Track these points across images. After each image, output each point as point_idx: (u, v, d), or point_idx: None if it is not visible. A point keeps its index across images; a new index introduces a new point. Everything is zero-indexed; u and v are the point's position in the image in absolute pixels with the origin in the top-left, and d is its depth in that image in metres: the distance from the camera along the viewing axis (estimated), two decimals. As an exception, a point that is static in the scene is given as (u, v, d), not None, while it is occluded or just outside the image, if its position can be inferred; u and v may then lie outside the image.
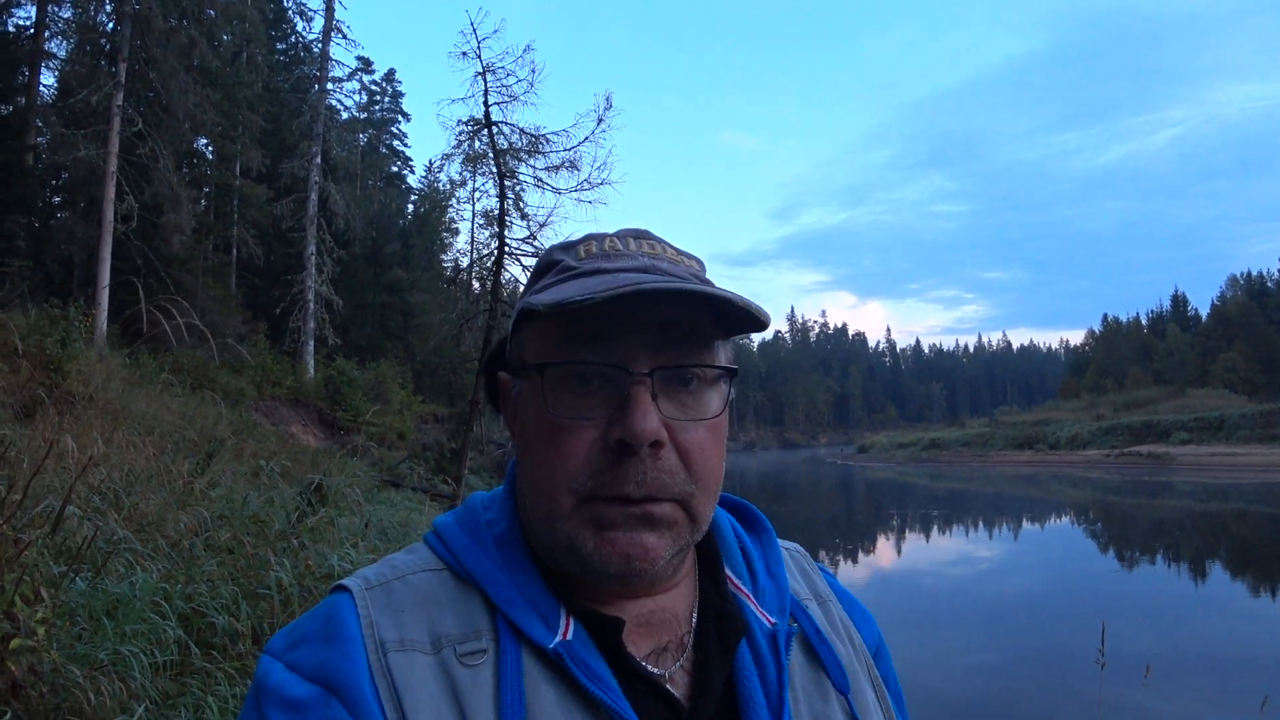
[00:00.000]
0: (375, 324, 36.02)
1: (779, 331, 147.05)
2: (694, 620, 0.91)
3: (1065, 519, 28.69)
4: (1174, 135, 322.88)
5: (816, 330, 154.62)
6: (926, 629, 12.70)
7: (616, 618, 0.84)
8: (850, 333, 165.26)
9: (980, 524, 26.58)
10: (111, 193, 19.93)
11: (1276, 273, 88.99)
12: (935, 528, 25.98)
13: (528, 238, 18.30)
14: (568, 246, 0.92)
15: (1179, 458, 41.38)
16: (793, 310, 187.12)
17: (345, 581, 0.89)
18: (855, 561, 20.15)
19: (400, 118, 51.55)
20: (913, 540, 23.77)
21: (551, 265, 0.90)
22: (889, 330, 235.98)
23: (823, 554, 21.28)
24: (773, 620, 0.93)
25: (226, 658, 3.88)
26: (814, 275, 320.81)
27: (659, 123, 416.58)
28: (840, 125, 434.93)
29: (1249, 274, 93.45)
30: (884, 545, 23.07)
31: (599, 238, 0.93)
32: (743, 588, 0.96)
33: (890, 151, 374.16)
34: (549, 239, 20.21)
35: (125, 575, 4.18)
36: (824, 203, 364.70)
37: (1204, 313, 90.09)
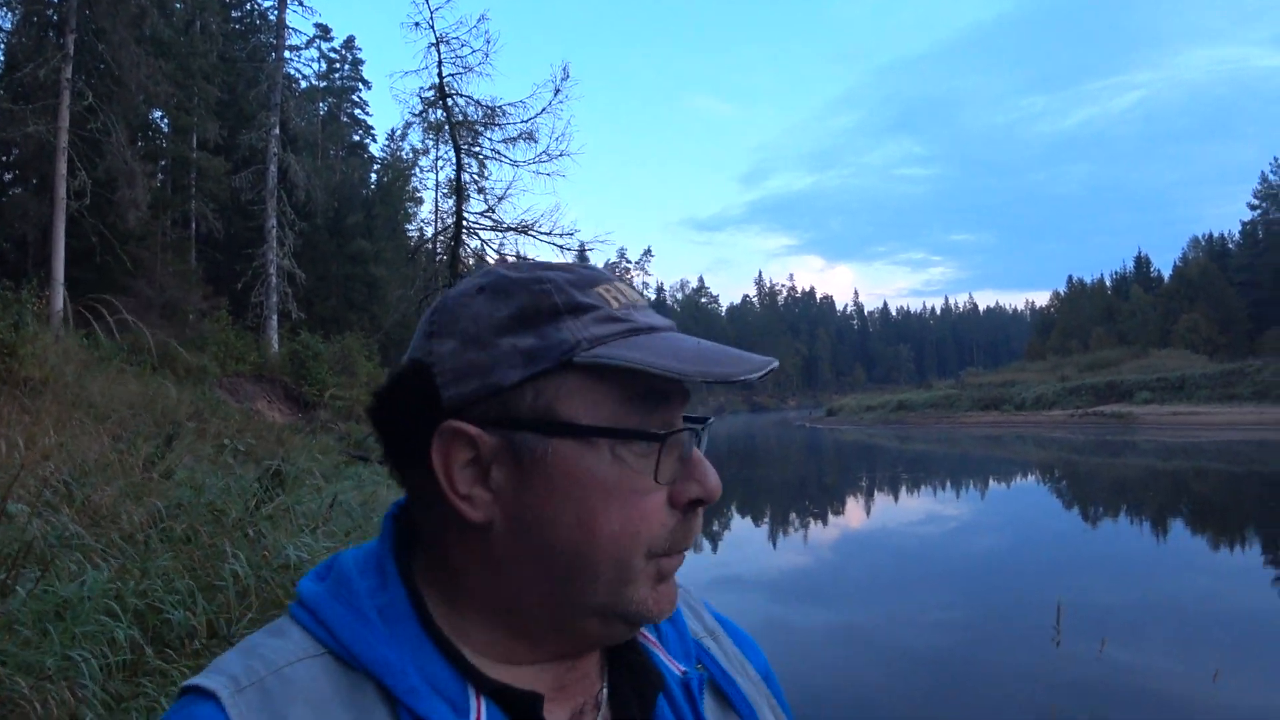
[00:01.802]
0: (339, 296, 35.68)
1: (747, 295, 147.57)
2: (606, 676, 0.86)
3: (1031, 478, 29.08)
4: (1139, 98, 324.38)
5: (784, 294, 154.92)
6: (896, 588, 12.89)
7: (532, 692, 0.77)
8: (818, 296, 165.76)
9: (948, 484, 26.88)
10: (63, 169, 19.52)
11: (1237, 234, 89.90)
12: (904, 488, 26.24)
13: (486, 211, 18.10)
14: (581, 284, 0.81)
15: (1142, 417, 41.96)
16: (761, 274, 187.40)
17: (204, 682, 0.72)
18: (825, 523, 20.32)
19: (361, 85, 50.80)
20: (881, 501, 24.00)
21: (583, 308, 0.79)
22: (857, 293, 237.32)
23: (793, 516, 21.47)
24: (682, 668, 0.88)
25: (182, 655, 3.82)
26: (782, 239, 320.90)
27: (626, 88, 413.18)
28: (810, 90, 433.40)
29: (1210, 236, 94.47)
30: (853, 506, 23.26)
31: (608, 280, 0.85)
32: (649, 635, 0.90)
33: (859, 115, 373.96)
34: (508, 213, 20.01)
35: (76, 574, 4.09)
36: (792, 167, 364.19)
37: (1166, 274, 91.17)
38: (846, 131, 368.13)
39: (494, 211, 17.66)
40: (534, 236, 21.69)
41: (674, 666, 0.88)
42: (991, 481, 27.87)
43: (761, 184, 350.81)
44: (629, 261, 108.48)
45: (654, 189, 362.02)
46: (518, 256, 25.02)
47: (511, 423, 0.76)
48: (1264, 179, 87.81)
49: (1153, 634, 9.91)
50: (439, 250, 23.23)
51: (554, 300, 0.78)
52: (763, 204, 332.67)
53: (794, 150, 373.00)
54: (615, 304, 0.81)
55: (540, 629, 0.79)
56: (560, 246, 22.29)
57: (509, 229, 22.23)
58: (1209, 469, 27.62)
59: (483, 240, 17.21)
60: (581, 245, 25.44)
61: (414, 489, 0.83)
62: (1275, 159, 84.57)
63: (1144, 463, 30.08)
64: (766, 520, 21.21)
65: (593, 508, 0.76)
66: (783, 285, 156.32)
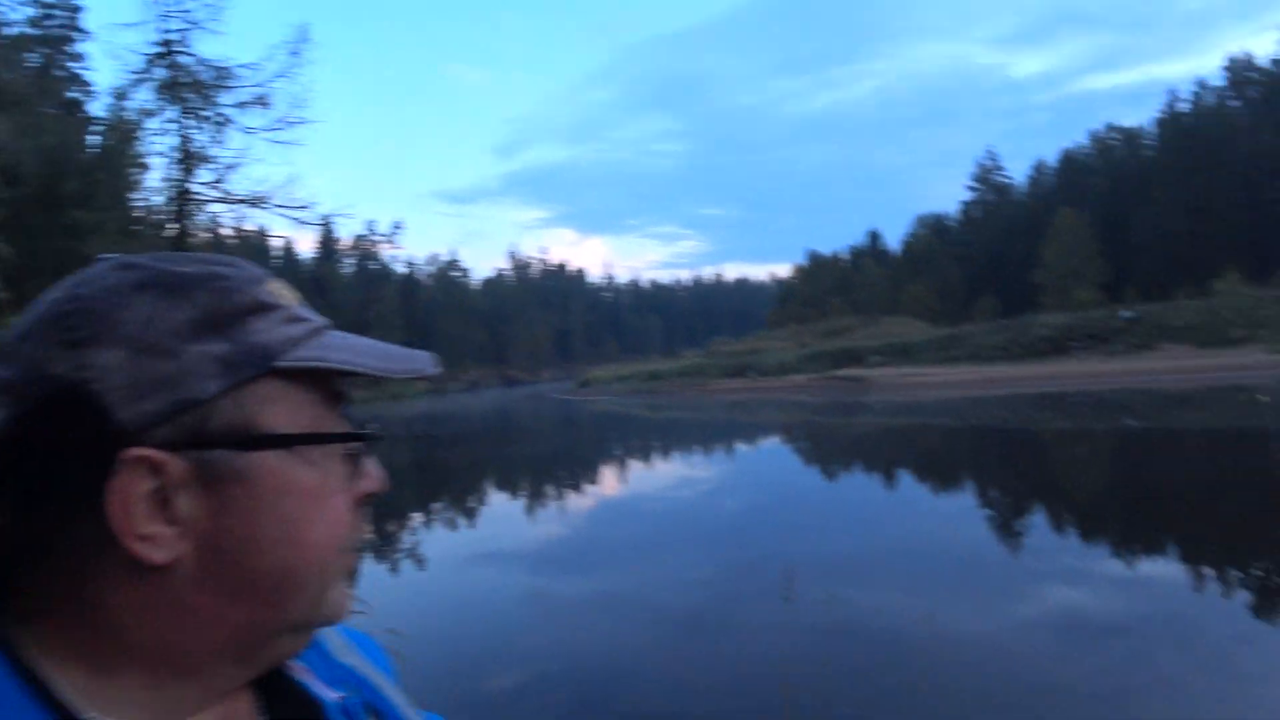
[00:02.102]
0: (52, 274, 31.84)
1: (501, 269, 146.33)
2: (262, 714, 0.77)
3: (776, 439, 30.33)
4: (876, 85, 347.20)
5: (538, 267, 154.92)
6: (653, 550, 13.07)
7: None
8: (571, 269, 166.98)
9: (699, 448, 27.54)
10: None
11: (956, 214, 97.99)
12: (657, 455, 26.64)
13: (215, 181, 16.57)
14: (256, 280, 0.74)
15: (874, 379, 44.85)
16: (514, 248, 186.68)
17: None
18: (582, 493, 20.27)
19: (78, 35, 45.76)
20: (636, 468, 24.24)
21: (266, 307, 0.73)
22: (609, 266, 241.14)
23: (550, 488, 21.29)
24: (338, 693, 0.82)
25: None
26: (536, 212, 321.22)
27: (378, 55, 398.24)
28: (568, 62, 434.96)
29: (933, 214, 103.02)
30: (609, 475, 23.37)
31: (270, 275, 0.79)
32: (295, 664, 0.81)
33: (616, 90, 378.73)
34: (240, 184, 18.43)
35: None
36: (548, 140, 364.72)
37: (896, 248, 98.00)
38: (603, 105, 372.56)
39: (224, 182, 16.10)
40: (267, 209, 20.07)
41: (329, 693, 0.82)
42: (740, 444, 28.83)
43: (517, 156, 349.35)
44: (377, 234, 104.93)
45: (406, 160, 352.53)
46: (247, 231, 23.16)
47: (207, 441, 0.67)
48: (979, 164, 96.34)
49: (881, 579, 10.49)
50: (167, 223, 21.14)
51: (238, 299, 0.71)
52: (518, 176, 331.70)
53: (551, 123, 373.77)
54: (289, 301, 0.78)
55: (217, 667, 0.70)
56: (298, 220, 20.76)
57: (240, 201, 20.47)
58: (931, 424, 29.80)
59: (212, 213, 15.68)
60: (329, 217, 23.79)
61: (39, 535, 0.66)
62: (989, 147, 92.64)
63: (876, 420, 32.07)
64: (524, 494, 20.96)
65: (300, 519, 0.70)
66: (536, 258, 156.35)
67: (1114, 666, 7.46)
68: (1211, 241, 64.14)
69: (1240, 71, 71.35)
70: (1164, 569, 10.54)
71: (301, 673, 0.80)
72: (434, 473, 23.67)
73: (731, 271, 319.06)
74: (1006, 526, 13.62)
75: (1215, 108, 73.40)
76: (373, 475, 0.79)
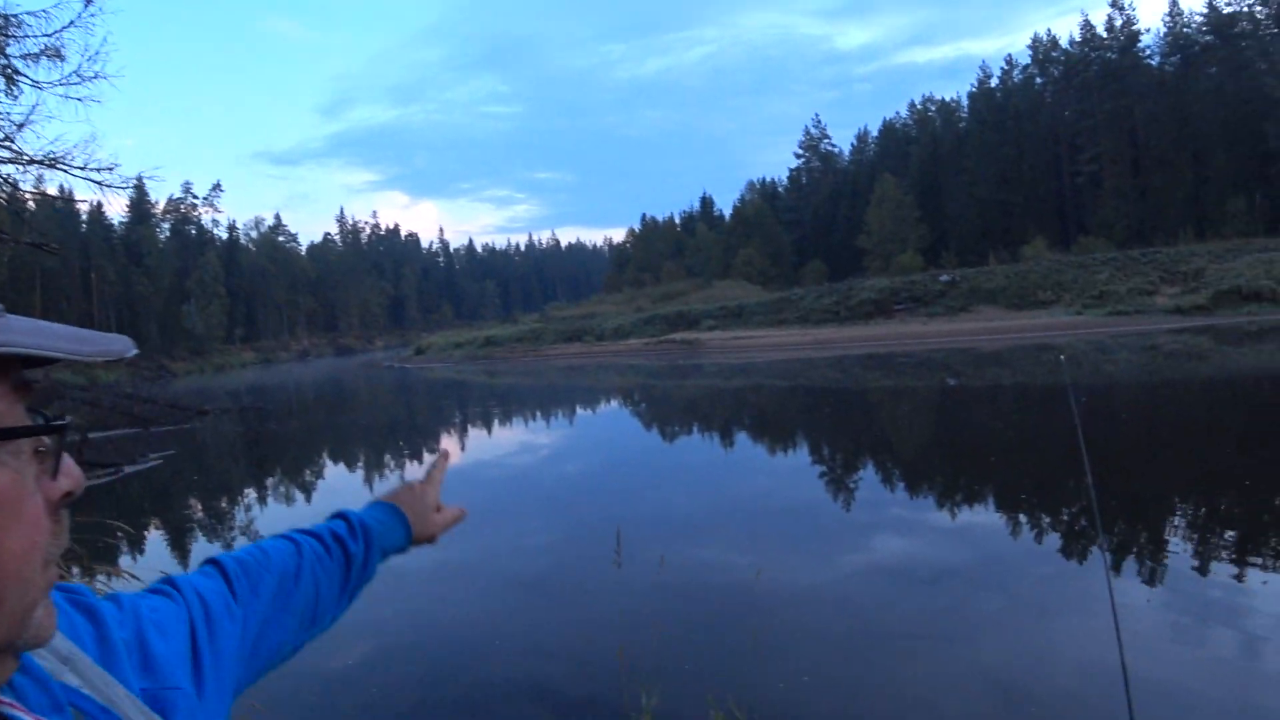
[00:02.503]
0: None
1: (329, 234, 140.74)
2: None
3: (612, 403, 30.43)
4: (706, 53, 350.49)
5: (368, 232, 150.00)
6: (495, 518, 12.95)
7: None
8: (403, 234, 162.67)
9: (538, 414, 27.34)
10: None
11: (785, 180, 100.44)
12: (495, 422, 26.29)
13: (4, 139, 15.12)
14: None
15: (707, 342, 45.62)
16: (343, 211, 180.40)
17: None
18: (420, 462, 19.80)
19: None
20: (475, 435, 23.88)
21: None
22: (442, 230, 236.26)
23: (387, 459, 20.73)
24: None
25: None
26: (365, 175, 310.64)
27: (194, 8, 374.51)
28: (395, 19, 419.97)
29: (763, 180, 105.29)
30: (447, 443, 22.87)
31: None
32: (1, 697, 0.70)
33: (446, 49, 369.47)
34: (31, 143, 16.92)
35: None
36: (376, 99, 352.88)
37: (727, 213, 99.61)
38: (432, 65, 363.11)
39: (13, 141, 14.67)
40: (66, 170, 18.43)
41: None
42: (577, 408, 28.79)
43: (343, 116, 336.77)
44: (195, 197, 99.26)
45: (226, 120, 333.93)
46: (46, 194, 21.38)
47: None
48: (807, 132, 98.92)
49: (717, 537, 10.70)
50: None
51: None
52: (345, 137, 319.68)
53: (378, 82, 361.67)
54: None
55: None
56: (99, 183, 19.13)
57: (33, 161, 18.76)
58: (764, 385, 30.53)
59: (4, 175, 14.26)
60: (139, 179, 22.07)
61: None
62: (816, 115, 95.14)
63: (710, 383, 32.62)
64: (359, 466, 20.35)
65: None
66: (366, 223, 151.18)
67: (940, 610, 7.79)
68: (1020, 209, 68.07)
69: (1044, 51, 75.69)
70: (980, 517, 11.09)
71: (11, 706, 0.68)
72: (265, 447, 22.65)
73: (566, 236, 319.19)
74: (837, 481, 14.08)
75: (1022, 84, 77.70)
76: (71, 474, 0.68)
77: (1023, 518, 10.66)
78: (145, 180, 21.54)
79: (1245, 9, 66.07)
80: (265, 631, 1.02)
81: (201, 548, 12.66)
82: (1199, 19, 68.28)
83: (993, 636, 7.16)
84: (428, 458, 20.41)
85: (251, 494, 17.21)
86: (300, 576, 1.10)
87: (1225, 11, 66.31)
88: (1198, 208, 57.64)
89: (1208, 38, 67.02)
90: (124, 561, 9.77)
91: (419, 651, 7.74)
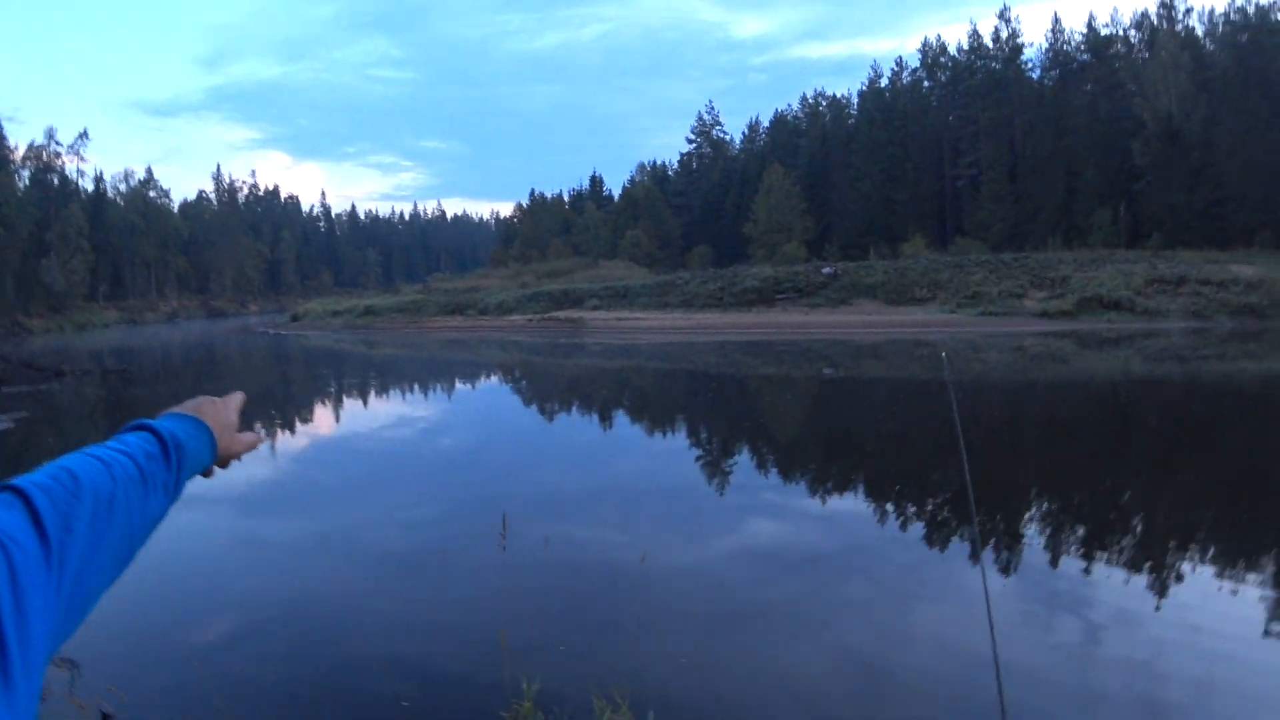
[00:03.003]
0: None
1: (203, 192, 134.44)
2: None
3: (494, 379, 30.04)
4: (603, 30, 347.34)
5: (246, 192, 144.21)
6: (371, 491, 12.83)
7: None
8: (283, 195, 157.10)
9: (417, 387, 26.76)
10: None
11: (676, 164, 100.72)
12: (372, 393, 25.65)
13: None
14: None
15: (591, 321, 45.47)
16: (219, 169, 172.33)
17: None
18: (293, 432, 19.21)
19: None
20: (351, 407, 23.29)
21: None
22: (324, 195, 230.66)
23: (258, 428, 19.86)
24: None
25: None
26: (245, 132, 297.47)
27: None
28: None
29: (654, 163, 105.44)
30: (322, 414, 22.33)
31: None
32: None
33: (335, 7, 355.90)
34: None
35: None
36: (260, 54, 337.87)
37: (617, 193, 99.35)
38: (322, 22, 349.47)
39: None
40: None
41: None
42: (457, 383, 28.33)
43: (224, 69, 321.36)
44: (59, 144, 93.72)
45: (97, 63, 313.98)
46: None
47: None
48: (700, 118, 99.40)
49: (596, 517, 10.61)
50: None
51: None
52: (225, 91, 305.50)
53: (263, 36, 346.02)
54: None
55: None
56: None
57: None
58: (646, 366, 30.57)
59: None
60: None
61: None
62: (710, 101, 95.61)
63: (592, 362, 32.53)
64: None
65: None
66: (244, 182, 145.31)
67: (810, 591, 7.87)
68: (902, 207, 69.88)
69: (934, 55, 77.76)
70: (851, 504, 11.27)
71: None
72: (128, 413, 21.46)
73: (453, 207, 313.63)
74: (715, 465, 14.14)
75: (911, 86, 79.68)
76: None
77: (890, 507, 10.89)
78: (6, 122, 19.84)
79: (1121, 33, 69.41)
80: (81, 579, 0.80)
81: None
82: (1079, 38, 71.26)
83: (864, 618, 7.24)
84: (300, 428, 19.77)
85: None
86: (114, 505, 0.88)
87: (1103, 34, 69.41)
88: (1067, 217, 60.14)
89: (1085, 56, 70.10)
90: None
91: (286, 628, 7.52)
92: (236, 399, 1.24)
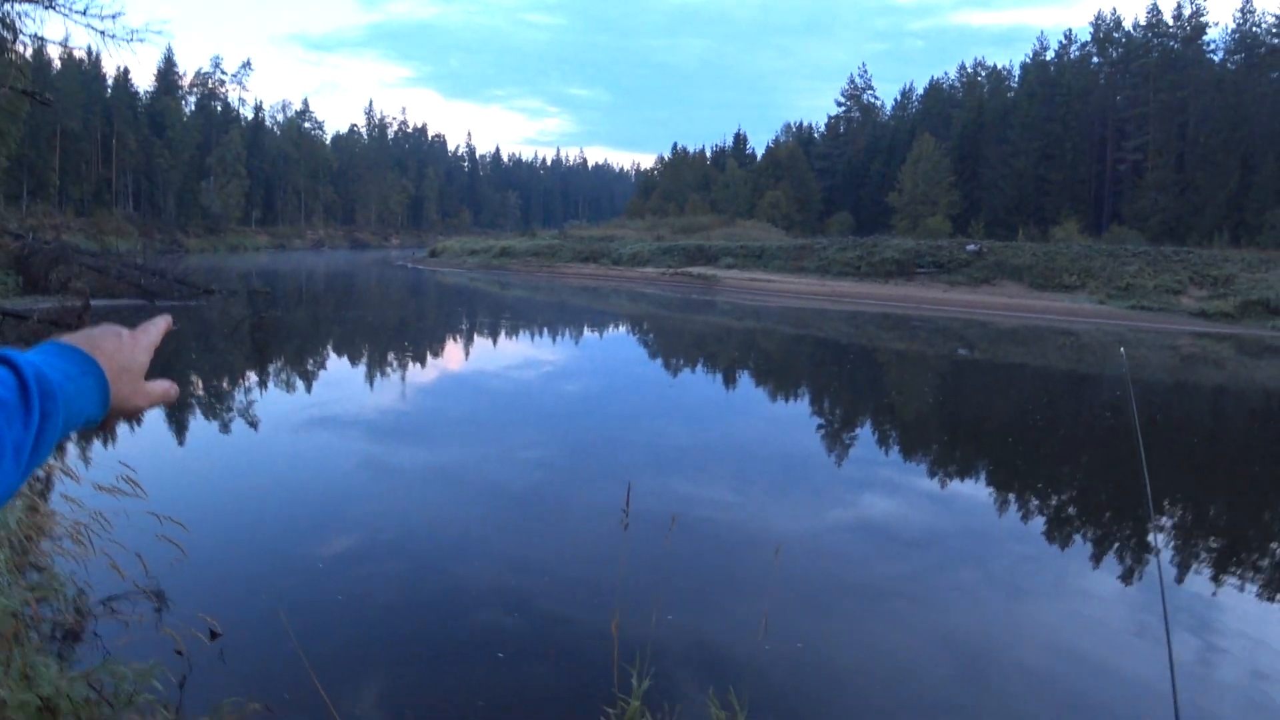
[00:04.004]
0: None
1: (355, 126, 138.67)
2: None
3: (623, 329, 30.18)
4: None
5: (395, 128, 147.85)
6: (494, 428, 12.99)
7: None
8: (430, 134, 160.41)
9: (546, 331, 27.07)
10: None
11: (823, 127, 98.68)
12: (502, 333, 26.08)
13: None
14: None
15: (724, 279, 45.16)
16: (371, 105, 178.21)
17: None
18: (424, 364, 19.73)
19: None
20: (481, 344, 23.75)
21: None
22: (470, 135, 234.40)
23: (391, 358, 20.54)
24: None
25: None
26: (399, 70, 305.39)
27: None
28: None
29: (801, 124, 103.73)
30: (453, 349, 22.89)
31: None
32: None
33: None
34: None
35: None
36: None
37: (760, 154, 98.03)
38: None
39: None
40: (61, 11, 17.52)
41: None
42: (586, 330, 28.56)
43: (383, 7, 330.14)
44: (224, 73, 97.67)
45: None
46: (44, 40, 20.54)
47: None
48: (851, 81, 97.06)
49: (712, 475, 10.57)
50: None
51: None
52: (383, 29, 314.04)
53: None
54: None
55: None
56: (101, 31, 18.20)
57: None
58: (776, 330, 30.21)
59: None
60: (155, 38, 21.07)
61: None
62: (863, 64, 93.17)
63: (723, 321, 32.29)
64: (364, 361, 20.20)
65: None
66: (394, 119, 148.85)
67: (919, 573, 7.65)
68: (1056, 188, 66.87)
69: (1106, 30, 73.69)
70: (973, 490, 10.91)
71: None
72: (267, 332, 22.43)
73: (594, 155, 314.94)
74: (835, 436, 13.85)
75: (1078, 62, 75.84)
76: None
77: (1015, 497, 10.47)
78: (155, 36, 20.37)
79: (1320, 14, 64.13)
80: None
81: (198, 426, 12.55)
82: (1271, 19, 66.30)
83: (974, 608, 7.00)
84: (431, 361, 20.27)
85: (251, 378, 17.02)
86: None
87: (1300, 15, 64.35)
88: (1237, 213, 56.60)
89: (1276, 40, 65.16)
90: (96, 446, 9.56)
91: (404, 550, 7.65)
92: (154, 329, 0.92)
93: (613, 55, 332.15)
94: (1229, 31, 68.51)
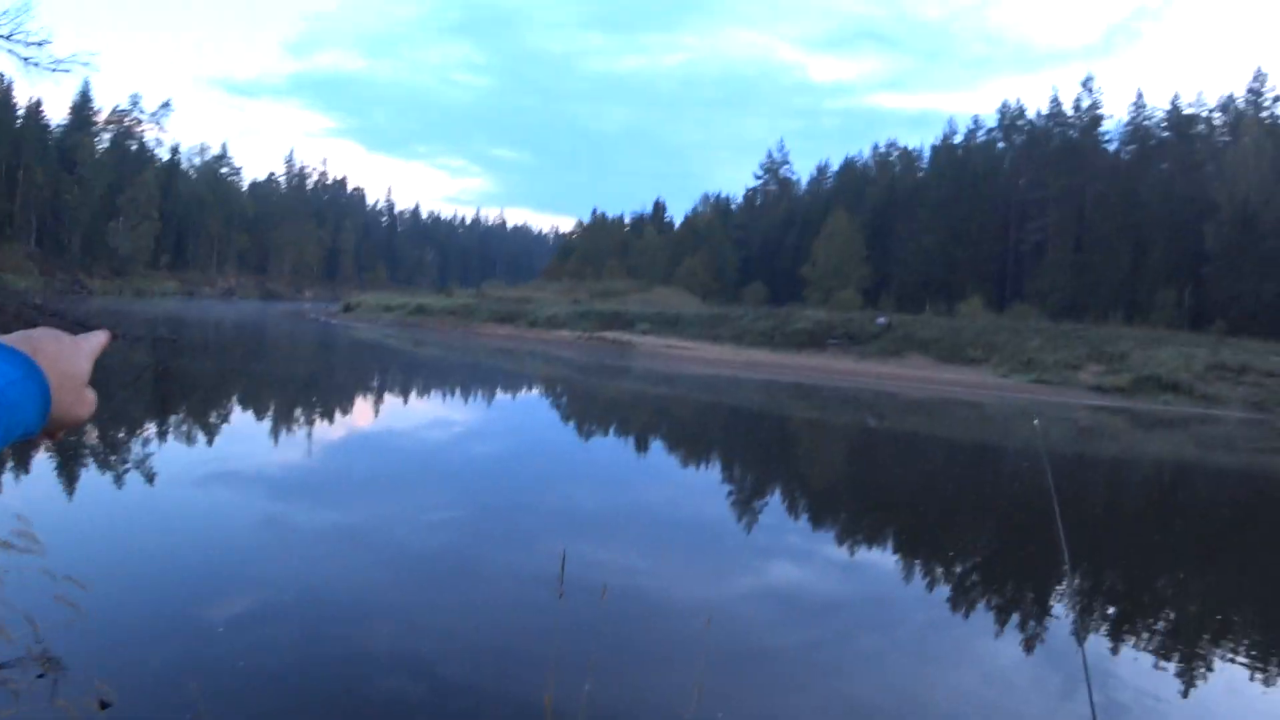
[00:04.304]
0: None
1: (274, 174, 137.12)
2: None
3: (537, 391, 30.07)
4: (683, 59, 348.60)
5: (315, 179, 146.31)
6: (400, 488, 12.76)
7: None
8: (350, 187, 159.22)
9: (458, 391, 26.85)
10: None
11: (740, 198, 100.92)
12: (414, 392, 25.78)
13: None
14: None
15: (640, 345, 45.46)
16: (292, 154, 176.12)
17: None
18: (332, 421, 19.32)
19: None
20: (391, 402, 23.45)
21: None
22: (390, 190, 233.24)
23: (299, 413, 20.11)
24: None
25: None
26: (322, 120, 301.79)
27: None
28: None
29: (719, 195, 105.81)
30: (363, 406, 22.50)
31: None
32: None
33: (423, 7, 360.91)
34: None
35: None
36: (346, 46, 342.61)
37: (678, 222, 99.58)
38: (409, 21, 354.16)
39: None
40: None
41: None
42: (500, 392, 28.41)
43: (309, 57, 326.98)
44: (142, 111, 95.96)
45: (188, 36, 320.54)
46: None
47: None
48: (769, 155, 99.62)
49: (620, 539, 10.51)
50: None
51: None
52: (308, 78, 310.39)
53: (351, 28, 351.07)
54: None
55: None
56: (25, 59, 17.91)
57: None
58: (690, 397, 30.42)
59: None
60: (77, 68, 20.66)
61: None
62: (781, 140, 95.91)
63: (637, 386, 32.40)
64: (271, 416, 19.70)
65: None
66: (315, 169, 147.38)
67: (824, 640, 7.72)
68: (963, 265, 69.19)
69: (1011, 117, 77.18)
70: (878, 557, 11.07)
71: None
72: (176, 382, 21.85)
73: (514, 216, 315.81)
74: (743, 503, 13.94)
75: (984, 146, 79.14)
76: None
77: (918, 564, 10.65)
78: (81, 67, 19.95)
79: (1205, 113, 68.46)
80: None
81: (95, 477, 12.10)
82: (1160, 114, 70.38)
83: (876, 675, 7.05)
84: (338, 418, 19.90)
85: (153, 429, 16.51)
86: None
87: (1185, 112, 68.49)
88: (1130, 293, 59.24)
89: (1166, 134, 69.15)
90: None
91: (300, 614, 7.43)
92: (95, 341, 0.83)
93: (538, 119, 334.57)
94: (1123, 124, 72.46)
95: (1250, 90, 66.83)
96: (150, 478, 12.05)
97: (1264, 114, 64.82)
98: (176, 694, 5.02)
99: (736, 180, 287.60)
